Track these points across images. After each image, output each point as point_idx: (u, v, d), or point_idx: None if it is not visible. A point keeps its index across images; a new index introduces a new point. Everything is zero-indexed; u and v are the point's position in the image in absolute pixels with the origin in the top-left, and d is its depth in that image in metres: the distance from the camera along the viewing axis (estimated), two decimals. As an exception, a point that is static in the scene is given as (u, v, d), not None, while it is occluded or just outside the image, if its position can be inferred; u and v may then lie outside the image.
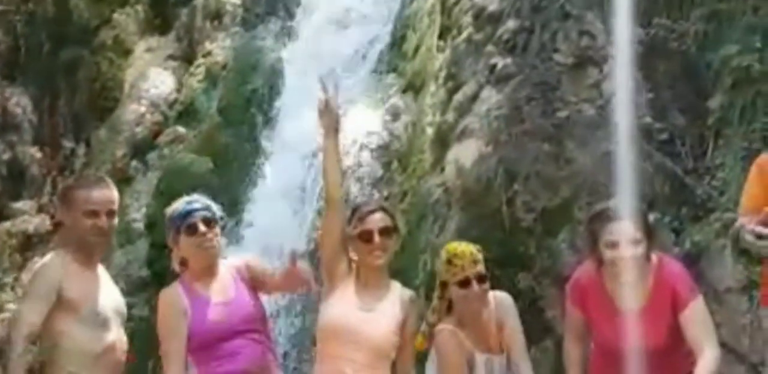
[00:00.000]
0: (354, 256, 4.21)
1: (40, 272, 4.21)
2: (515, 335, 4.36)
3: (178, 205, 4.27)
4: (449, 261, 4.20)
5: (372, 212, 4.21)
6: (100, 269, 4.39)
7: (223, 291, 4.22)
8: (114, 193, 4.38)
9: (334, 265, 4.22)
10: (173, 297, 4.20)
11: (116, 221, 4.37)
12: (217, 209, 4.31)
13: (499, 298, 4.40)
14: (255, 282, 4.32)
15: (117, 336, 4.31)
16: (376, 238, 4.13)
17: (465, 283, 4.16)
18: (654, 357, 3.93)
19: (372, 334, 4.09)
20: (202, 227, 4.18)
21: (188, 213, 4.20)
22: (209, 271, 4.24)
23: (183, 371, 4.16)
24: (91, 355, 4.17)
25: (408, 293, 4.26)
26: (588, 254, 4.20)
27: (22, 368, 4.01)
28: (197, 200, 4.28)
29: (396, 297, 4.20)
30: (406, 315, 4.18)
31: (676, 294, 3.96)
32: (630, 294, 4.01)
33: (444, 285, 4.23)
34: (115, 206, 4.36)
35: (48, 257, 4.31)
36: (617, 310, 4.05)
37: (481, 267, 4.20)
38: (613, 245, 3.98)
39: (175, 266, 4.30)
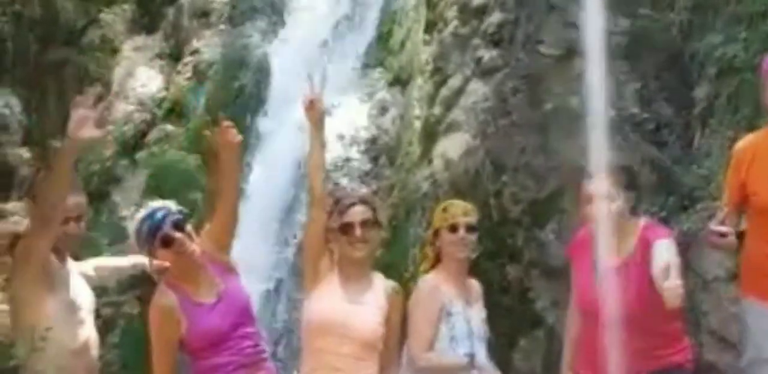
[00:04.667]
0: (335, 249, 4.21)
1: (26, 259, 4.13)
2: None
3: (142, 221, 4.14)
4: (444, 209, 4.45)
5: (353, 204, 4.22)
6: (70, 265, 4.36)
7: (213, 288, 4.18)
8: (82, 198, 4.37)
9: (317, 260, 4.23)
10: (165, 306, 4.13)
11: (83, 226, 4.35)
12: (175, 207, 4.21)
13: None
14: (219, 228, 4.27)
15: (92, 332, 4.30)
16: (357, 231, 4.14)
17: (454, 228, 4.34)
18: (629, 319, 3.89)
19: (359, 327, 4.11)
20: (177, 235, 4.08)
21: (157, 226, 4.09)
22: (195, 270, 4.19)
23: None
24: (68, 353, 4.13)
25: (391, 284, 4.29)
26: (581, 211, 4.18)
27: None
28: (158, 209, 4.15)
29: (380, 288, 4.23)
30: (391, 306, 4.21)
31: (650, 236, 3.92)
32: (607, 250, 4.00)
33: (436, 232, 4.42)
34: (83, 211, 4.34)
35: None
36: (596, 268, 4.03)
37: (471, 219, 4.41)
38: (587, 201, 4.01)
39: (154, 275, 4.22)
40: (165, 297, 4.15)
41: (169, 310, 4.12)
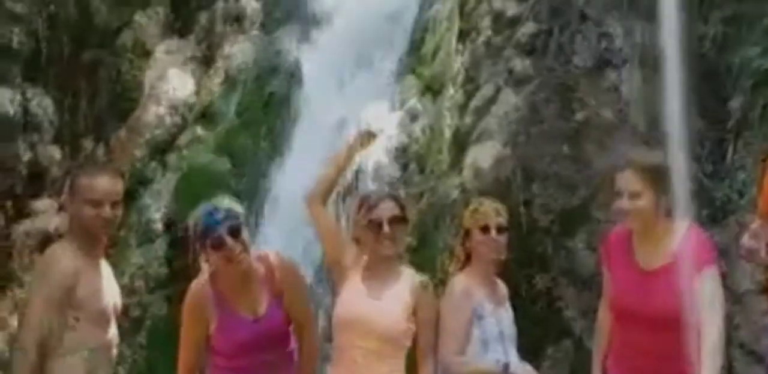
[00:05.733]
0: (363, 245, 4.17)
1: (53, 269, 3.98)
2: None
3: (200, 217, 4.00)
4: (475, 210, 4.39)
5: (381, 200, 4.17)
6: (103, 262, 4.22)
7: (253, 305, 4.08)
8: (119, 184, 4.15)
9: (340, 258, 4.20)
10: (200, 301, 4.07)
11: (120, 212, 4.12)
12: (239, 209, 4.07)
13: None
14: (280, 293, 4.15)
15: (113, 333, 4.18)
16: (386, 227, 4.08)
17: (485, 229, 4.29)
18: (666, 323, 3.86)
19: (381, 322, 4.05)
20: (229, 241, 3.94)
21: (212, 227, 3.95)
22: (240, 280, 4.07)
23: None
24: (87, 351, 4.00)
25: (419, 278, 4.20)
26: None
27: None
28: (219, 209, 4.00)
29: (406, 283, 4.15)
30: (417, 301, 4.12)
31: (695, 257, 3.89)
32: (645, 251, 3.96)
33: (467, 232, 4.37)
34: (120, 197, 4.12)
35: (56, 249, 4.10)
36: (635, 269, 3.97)
37: (502, 220, 4.35)
38: (617, 195, 3.95)
39: (205, 268, 4.09)
40: (201, 293, 4.07)
41: (201, 308, 4.06)
